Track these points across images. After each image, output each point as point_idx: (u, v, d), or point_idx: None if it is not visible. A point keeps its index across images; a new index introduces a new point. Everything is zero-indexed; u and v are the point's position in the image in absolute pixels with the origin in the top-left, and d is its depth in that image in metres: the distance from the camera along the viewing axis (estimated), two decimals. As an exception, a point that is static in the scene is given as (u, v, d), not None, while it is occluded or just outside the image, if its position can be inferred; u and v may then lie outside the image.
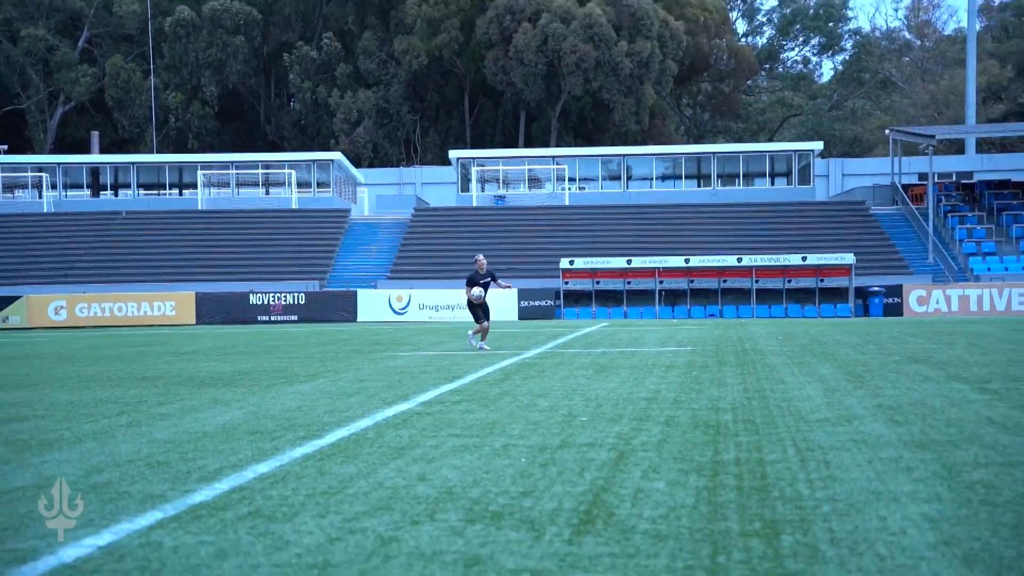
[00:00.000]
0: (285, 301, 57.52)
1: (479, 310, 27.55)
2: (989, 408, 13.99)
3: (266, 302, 57.51)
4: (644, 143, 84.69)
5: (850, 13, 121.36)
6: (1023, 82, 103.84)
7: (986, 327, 39.07)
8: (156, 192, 73.30)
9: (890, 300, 55.20)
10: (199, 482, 9.42)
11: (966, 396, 15.42)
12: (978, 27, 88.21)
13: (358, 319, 55.98)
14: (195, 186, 72.14)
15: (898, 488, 8.79)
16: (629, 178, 72.53)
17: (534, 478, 9.32)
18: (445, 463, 10.13)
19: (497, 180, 72.80)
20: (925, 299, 55.28)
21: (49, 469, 10.30)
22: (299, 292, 58.28)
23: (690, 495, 8.54)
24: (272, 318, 56.93)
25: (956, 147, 75.08)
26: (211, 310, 57.18)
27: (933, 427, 12.24)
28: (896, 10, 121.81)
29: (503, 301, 56.00)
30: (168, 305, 57.51)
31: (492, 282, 28.01)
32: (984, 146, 79.35)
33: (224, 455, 10.89)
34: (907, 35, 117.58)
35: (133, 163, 75.20)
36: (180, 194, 72.76)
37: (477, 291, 27.51)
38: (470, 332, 28.49)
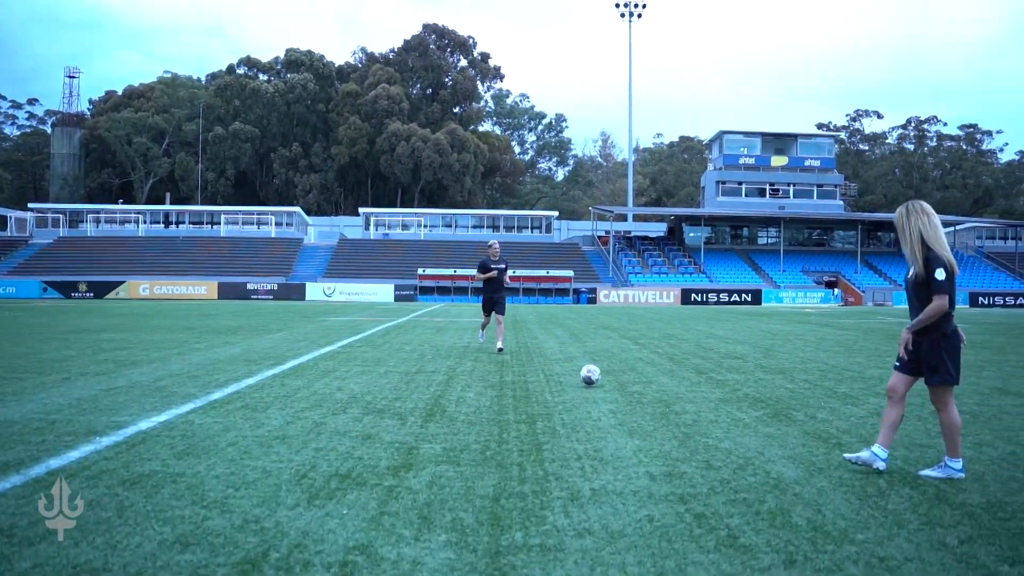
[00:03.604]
0: (266, 287, 56.18)
1: (490, 302, 14.47)
2: (640, 352, 14.13)
3: (256, 287, 56.12)
4: (466, 208, 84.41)
5: (572, 146, 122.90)
6: (655, 189, 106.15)
7: (638, 311, 39.75)
8: (199, 225, 71.02)
9: (591, 296, 55.92)
10: (215, 388, 9.05)
11: (628, 347, 15.55)
12: (633, 158, 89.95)
13: (306, 299, 54.89)
14: (220, 223, 70.07)
15: (596, 396, 8.78)
16: (456, 227, 72.31)
17: (402, 390, 9.09)
18: (352, 380, 9.83)
19: (385, 224, 71.95)
20: (608, 296, 56.10)
21: (135, 377, 9.85)
22: (274, 283, 57.00)
23: (487, 400, 8.41)
24: (259, 297, 55.52)
25: (623, 217, 76.37)
26: (225, 291, 55.62)
27: (614, 363, 12.29)
28: (595, 144, 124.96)
29: (386, 290, 55.62)
30: (202, 289, 55.79)
31: (505, 272, 14.41)
32: (635, 218, 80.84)
33: (229, 373, 10.46)
34: (600, 159, 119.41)
35: (187, 210, 73.04)
36: (212, 227, 70.49)
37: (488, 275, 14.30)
38: (480, 332, 15.52)
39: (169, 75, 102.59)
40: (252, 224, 71.06)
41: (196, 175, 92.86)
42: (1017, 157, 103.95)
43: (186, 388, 8.99)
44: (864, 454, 5.37)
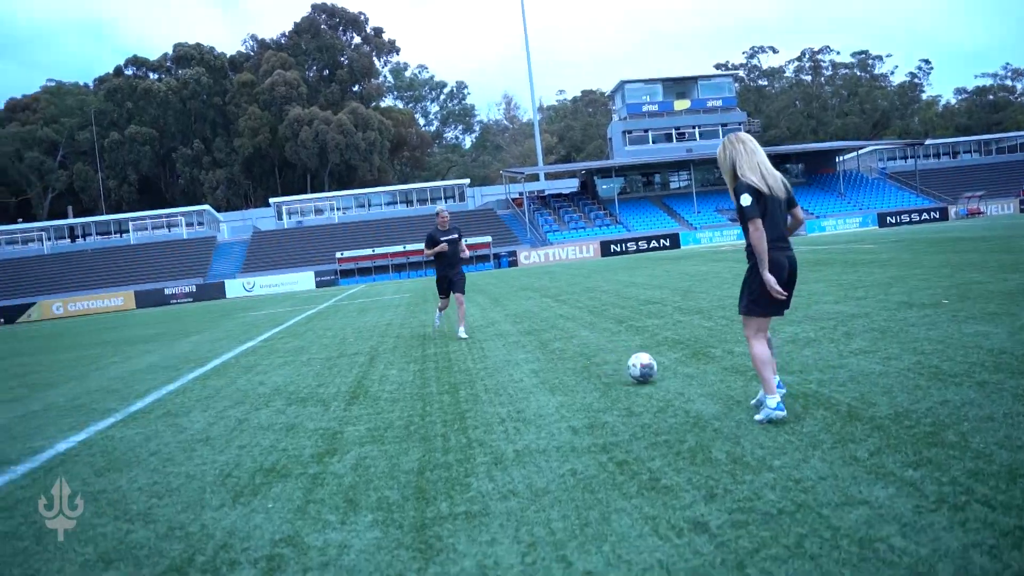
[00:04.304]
0: (185, 290, 54.99)
1: (444, 280, 12.01)
2: (560, 309, 14.23)
3: (174, 291, 54.89)
4: (377, 186, 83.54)
5: (477, 112, 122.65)
6: (563, 146, 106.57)
7: (557, 269, 39.99)
8: (107, 236, 69.01)
9: (511, 259, 56.07)
10: (135, 399, 8.85)
11: (549, 305, 15.64)
12: (538, 117, 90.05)
13: (226, 297, 53.95)
14: (128, 231, 68.26)
15: (518, 357, 8.84)
16: (370, 206, 71.60)
17: (324, 376, 9.02)
18: (275, 373, 9.72)
19: (298, 212, 70.87)
20: (528, 257, 56.32)
21: (51, 399, 9.56)
22: (192, 284, 55.82)
23: (410, 375, 8.41)
24: (179, 301, 54.35)
25: (535, 177, 76.50)
26: (143, 300, 54.28)
27: (535, 323, 12.36)
28: (499, 107, 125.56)
29: (306, 278, 54.93)
30: (119, 300, 54.33)
31: (459, 241, 12.04)
32: (547, 176, 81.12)
33: (149, 382, 10.24)
34: (505, 122, 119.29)
35: (93, 221, 70.70)
36: (121, 236, 68.61)
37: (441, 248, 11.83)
38: (437, 314, 12.65)
39: (53, 83, 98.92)
40: (162, 227, 69.34)
41: (97, 184, 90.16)
42: (907, 78, 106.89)
43: (105, 403, 8.78)
44: (760, 416, 5.03)
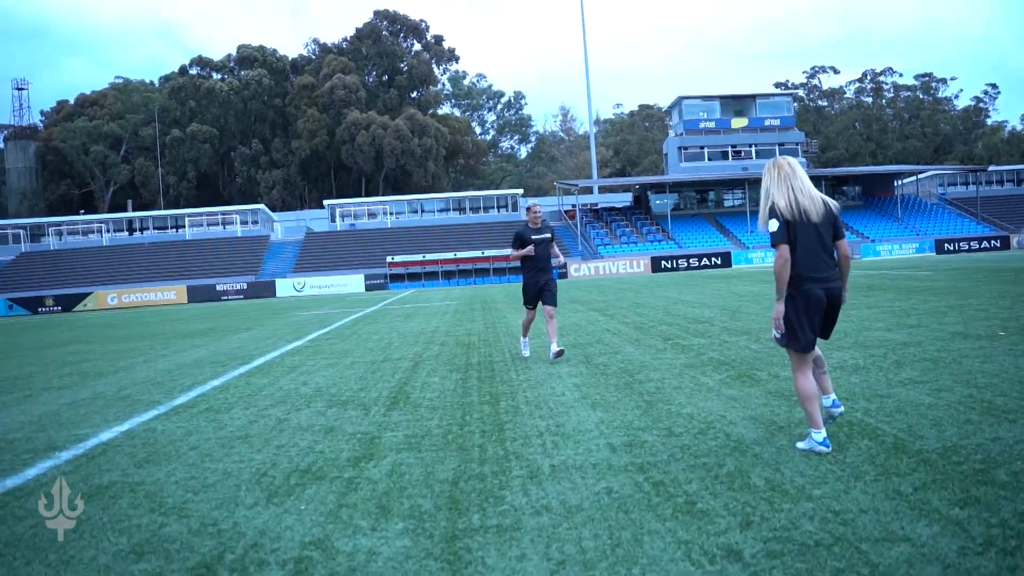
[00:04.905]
0: (236, 287, 55.77)
1: (534, 287, 10.00)
2: (607, 324, 14.15)
3: (226, 288, 55.71)
4: (430, 192, 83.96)
5: (533, 123, 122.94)
6: (618, 159, 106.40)
7: (607, 283, 39.83)
8: (163, 230, 70.46)
9: (561, 271, 55.94)
10: (179, 392, 8.97)
11: (596, 319, 15.55)
12: (594, 130, 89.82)
13: (276, 295, 54.59)
14: (184, 226, 69.58)
15: (561, 370, 8.79)
16: (423, 212, 72.01)
17: (367, 380, 9.05)
18: (318, 374, 9.77)
19: (351, 215, 71.48)
20: (578, 269, 56.17)
21: (100, 388, 9.75)
22: (244, 282, 56.60)
23: (451, 383, 8.39)
24: (230, 297, 55.12)
25: (589, 190, 76.28)
26: (195, 295, 55.16)
27: (580, 337, 12.31)
28: (555, 119, 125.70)
29: (356, 281, 55.34)
30: (171, 294, 55.29)
31: (552, 242, 10.14)
32: (601, 190, 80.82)
33: (194, 376, 10.36)
34: (561, 133, 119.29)
35: (151, 216, 72.31)
36: (177, 231, 70.00)
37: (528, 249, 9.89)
38: (522, 340, 10.51)
39: (121, 80, 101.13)
40: (217, 225, 70.43)
41: (157, 180, 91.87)
42: (972, 102, 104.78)
43: (150, 395, 8.90)
44: (802, 445, 4.89)
